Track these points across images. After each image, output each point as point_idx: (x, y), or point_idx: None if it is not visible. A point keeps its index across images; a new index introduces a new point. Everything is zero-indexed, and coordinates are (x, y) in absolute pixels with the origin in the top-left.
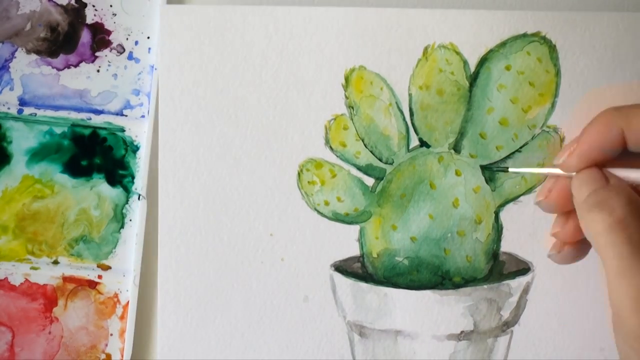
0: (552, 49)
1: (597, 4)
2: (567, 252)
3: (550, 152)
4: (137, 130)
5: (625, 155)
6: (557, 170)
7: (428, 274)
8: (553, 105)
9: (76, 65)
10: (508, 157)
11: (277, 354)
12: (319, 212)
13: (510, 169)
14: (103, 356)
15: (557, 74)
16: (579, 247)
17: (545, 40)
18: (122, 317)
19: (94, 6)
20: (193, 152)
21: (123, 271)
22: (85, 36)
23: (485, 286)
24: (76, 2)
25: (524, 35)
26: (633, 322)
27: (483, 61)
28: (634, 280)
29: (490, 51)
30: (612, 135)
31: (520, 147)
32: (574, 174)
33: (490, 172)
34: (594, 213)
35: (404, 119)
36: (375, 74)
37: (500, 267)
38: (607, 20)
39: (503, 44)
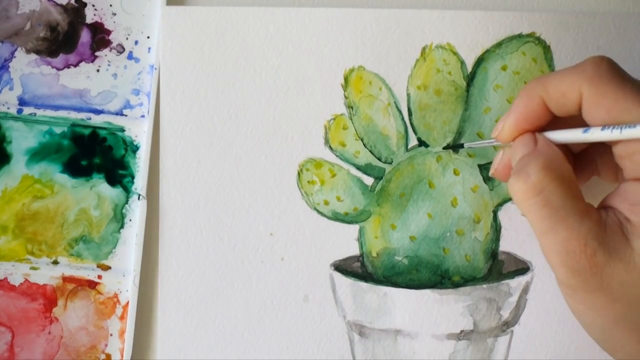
0: (546, 49)
1: (590, 5)
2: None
3: None
4: (137, 130)
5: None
6: (500, 144)
7: (427, 273)
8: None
9: (76, 65)
10: None
11: (277, 354)
12: (318, 211)
13: (465, 144)
14: (103, 356)
15: None
16: None
17: (539, 41)
18: (122, 317)
19: (93, 6)
20: (193, 152)
21: (123, 271)
22: (85, 36)
23: (484, 285)
24: (76, 1)
25: (519, 35)
26: (562, 272)
27: (480, 61)
28: (556, 238)
29: (487, 51)
30: (535, 104)
31: None
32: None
33: (488, 170)
34: (513, 181)
35: (402, 118)
36: (374, 74)
37: (500, 267)
38: (599, 21)
39: (499, 45)
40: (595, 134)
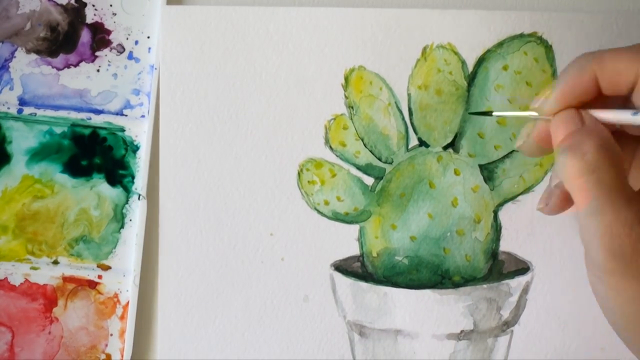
0: (548, 49)
1: (592, 4)
2: (554, 204)
3: None
4: (137, 130)
5: (606, 99)
6: (543, 117)
7: (428, 273)
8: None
9: (76, 65)
10: (506, 156)
11: (277, 354)
12: (319, 211)
13: (494, 113)
14: (103, 356)
15: (554, 74)
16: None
17: (541, 41)
18: (122, 317)
19: (93, 6)
20: (193, 152)
21: (123, 271)
22: (85, 36)
23: (484, 285)
24: (76, 1)
25: (521, 35)
26: (602, 256)
27: (481, 61)
28: (602, 221)
29: (488, 51)
30: (585, 80)
31: None
32: (552, 117)
33: (489, 171)
34: (566, 156)
35: (403, 118)
36: (374, 74)
37: (500, 267)
38: (601, 20)
39: (500, 44)
40: None
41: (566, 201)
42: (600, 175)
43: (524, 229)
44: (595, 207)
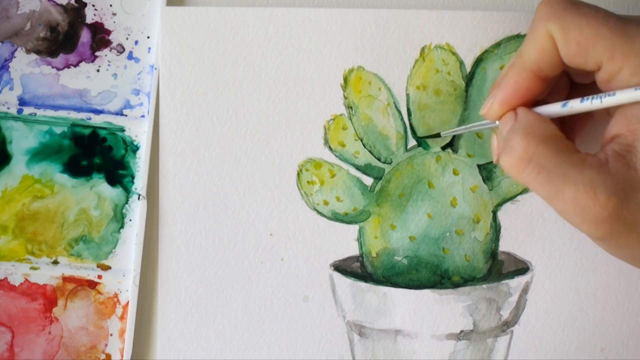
0: None
1: None
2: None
3: None
4: (137, 130)
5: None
6: (487, 123)
7: (427, 273)
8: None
9: (76, 65)
10: None
11: (277, 354)
12: (318, 211)
13: (442, 133)
14: (103, 356)
15: None
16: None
17: None
18: (122, 317)
19: (93, 6)
20: (193, 152)
21: (123, 271)
22: (85, 36)
23: (484, 285)
24: (76, 1)
25: (518, 36)
26: (586, 229)
27: (478, 61)
28: (565, 199)
29: (486, 52)
30: (522, 78)
31: None
32: (497, 123)
33: (487, 171)
34: (502, 159)
35: (402, 118)
36: (373, 74)
37: (499, 267)
38: None
39: (498, 45)
40: (575, 106)
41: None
42: (537, 160)
43: (524, 229)
44: (552, 190)
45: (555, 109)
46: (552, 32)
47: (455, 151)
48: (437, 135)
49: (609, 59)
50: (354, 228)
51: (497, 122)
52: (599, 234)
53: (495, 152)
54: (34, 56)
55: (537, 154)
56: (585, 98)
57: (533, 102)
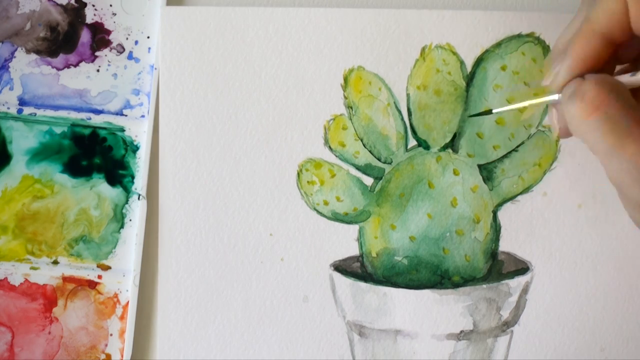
0: (546, 49)
1: None
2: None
3: (546, 151)
4: (137, 130)
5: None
6: (546, 98)
7: (427, 274)
8: (548, 105)
9: (76, 65)
10: (505, 156)
11: (277, 354)
12: (318, 211)
13: (494, 110)
14: (103, 356)
15: None
16: None
17: (539, 41)
18: (122, 317)
19: (93, 6)
20: (193, 152)
21: (123, 271)
22: (85, 36)
23: (484, 286)
24: (76, 1)
25: (519, 35)
26: (636, 192)
27: (479, 61)
28: (624, 154)
29: (486, 51)
30: (591, 45)
31: (517, 147)
32: (557, 97)
33: (488, 171)
34: (568, 104)
35: (402, 118)
36: (373, 74)
37: (499, 267)
38: None
39: (498, 45)
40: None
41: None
42: (606, 110)
43: (524, 229)
44: (612, 144)
45: (623, 78)
46: None
47: (455, 151)
48: (489, 112)
49: None
50: (354, 228)
51: (558, 96)
52: (634, 191)
53: (555, 127)
54: (34, 56)
55: (608, 103)
56: None
57: (599, 71)
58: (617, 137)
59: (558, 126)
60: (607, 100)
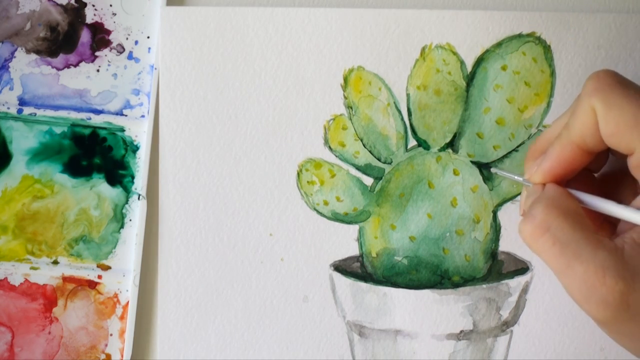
0: (546, 49)
1: (591, 4)
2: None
3: None
4: (137, 130)
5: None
6: (526, 183)
7: (427, 274)
8: (549, 104)
9: (76, 65)
10: (505, 156)
11: (277, 354)
12: (318, 211)
13: (492, 170)
14: (103, 356)
15: (552, 74)
16: None
17: (540, 41)
18: (122, 317)
19: (93, 6)
20: (193, 152)
21: (123, 271)
22: (85, 36)
23: (484, 285)
24: (76, 1)
25: (519, 35)
26: (588, 309)
27: (479, 61)
28: (574, 275)
29: (487, 51)
30: (567, 152)
31: (517, 147)
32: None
33: (488, 171)
34: (521, 225)
35: (402, 118)
36: (373, 74)
37: (499, 267)
38: (600, 21)
39: (499, 44)
40: (605, 207)
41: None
42: (553, 232)
43: None
44: (563, 264)
45: (586, 198)
46: (595, 108)
47: (455, 151)
48: (488, 168)
49: None
50: (354, 228)
51: (531, 184)
52: (601, 317)
53: (522, 207)
54: (34, 56)
55: (556, 226)
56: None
57: (577, 172)
58: (565, 259)
59: (523, 208)
60: (555, 223)
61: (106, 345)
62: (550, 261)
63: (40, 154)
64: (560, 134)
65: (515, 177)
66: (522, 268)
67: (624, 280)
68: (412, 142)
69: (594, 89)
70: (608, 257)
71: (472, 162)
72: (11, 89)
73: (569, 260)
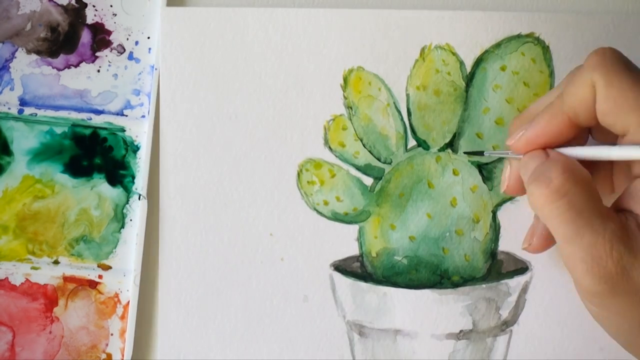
0: (545, 49)
1: (590, 5)
2: (538, 242)
3: None
4: (138, 130)
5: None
6: (513, 156)
7: (427, 273)
8: (504, 159)
9: (76, 66)
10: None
11: (277, 354)
12: (318, 211)
13: (486, 153)
14: (104, 356)
15: (551, 74)
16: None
17: (539, 41)
18: (123, 317)
19: (94, 6)
20: (193, 152)
21: (123, 271)
22: (85, 36)
23: (483, 285)
24: (76, 2)
25: (519, 36)
26: (588, 280)
27: (479, 62)
28: (581, 244)
29: (486, 52)
30: (557, 121)
31: None
32: (521, 156)
33: (487, 171)
34: (534, 187)
35: (401, 119)
36: (373, 74)
37: (499, 267)
38: (599, 21)
39: (498, 45)
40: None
41: (550, 238)
42: (570, 198)
43: (523, 229)
44: (572, 232)
45: (578, 152)
46: (595, 83)
47: (455, 151)
48: (481, 153)
49: (638, 126)
50: (354, 228)
51: (522, 156)
52: (597, 289)
53: (505, 181)
54: (34, 56)
55: (573, 192)
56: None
57: (556, 146)
58: (577, 226)
59: (507, 182)
60: (573, 190)
61: (107, 344)
62: (559, 227)
63: (41, 154)
64: (553, 103)
65: (507, 154)
66: (521, 268)
67: (628, 255)
68: (412, 142)
69: (596, 64)
70: (616, 230)
71: (472, 162)
72: (12, 89)
73: (580, 228)
